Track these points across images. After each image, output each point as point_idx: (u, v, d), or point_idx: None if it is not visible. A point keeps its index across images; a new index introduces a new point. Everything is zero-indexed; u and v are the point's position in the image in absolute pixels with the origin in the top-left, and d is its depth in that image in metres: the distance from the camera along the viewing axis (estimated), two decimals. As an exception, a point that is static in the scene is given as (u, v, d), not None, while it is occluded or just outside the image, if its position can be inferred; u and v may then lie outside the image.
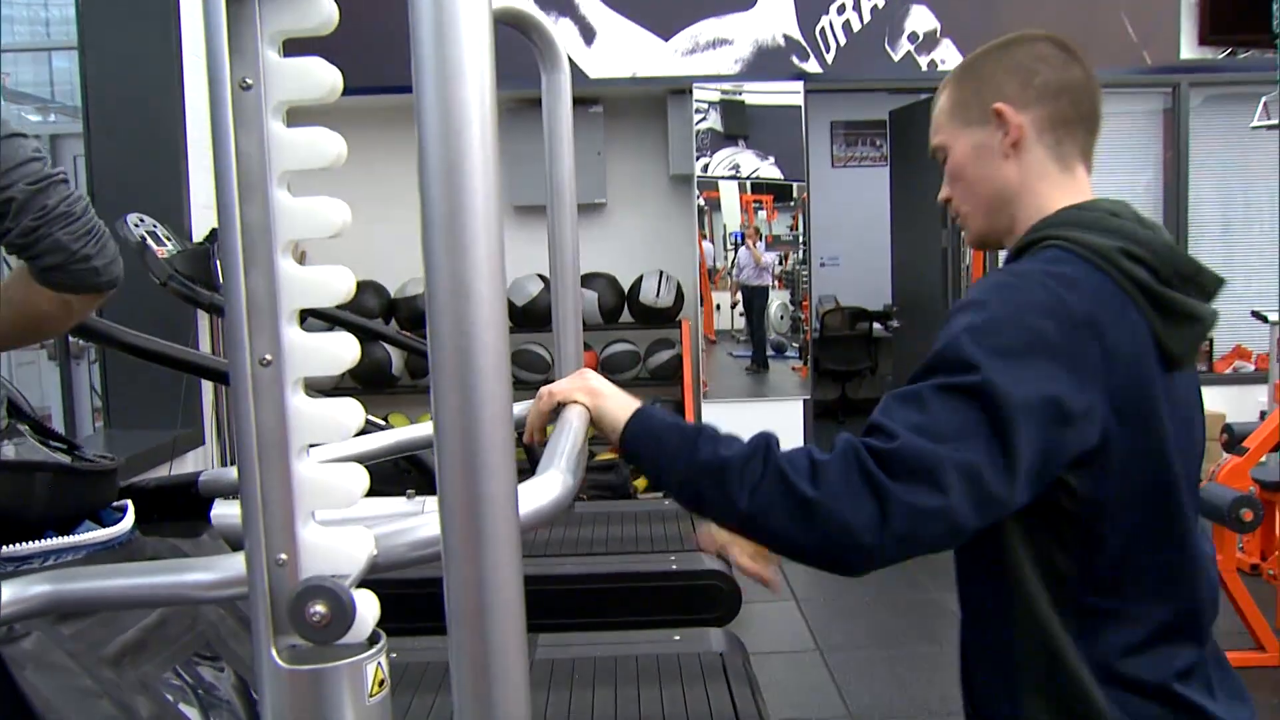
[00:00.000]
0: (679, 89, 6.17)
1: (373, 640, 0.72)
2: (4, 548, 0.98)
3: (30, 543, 0.99)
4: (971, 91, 1.39)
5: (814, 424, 6.40)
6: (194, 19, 4.87)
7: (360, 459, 1.12)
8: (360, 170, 5.90)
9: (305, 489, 0.69)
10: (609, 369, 5.98)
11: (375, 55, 5.29)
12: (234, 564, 0.76)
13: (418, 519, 0.80)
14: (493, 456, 0.58)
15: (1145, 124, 6.66)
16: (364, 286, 5.66)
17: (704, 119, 6.12)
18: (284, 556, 0.69)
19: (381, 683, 0.72)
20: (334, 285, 0.69)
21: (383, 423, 2.20)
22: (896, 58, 6.15)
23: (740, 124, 6.21)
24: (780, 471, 1.11)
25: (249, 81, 0.67)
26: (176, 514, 1.24)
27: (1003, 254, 1.44)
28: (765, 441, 1.15)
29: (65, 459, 1.14)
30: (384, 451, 1.22)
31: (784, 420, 6.22)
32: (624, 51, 6.01)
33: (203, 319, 4.65)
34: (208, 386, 4.68)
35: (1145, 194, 6.61)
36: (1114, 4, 6.17)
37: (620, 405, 1.23)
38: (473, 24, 0.57)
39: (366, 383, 5.66)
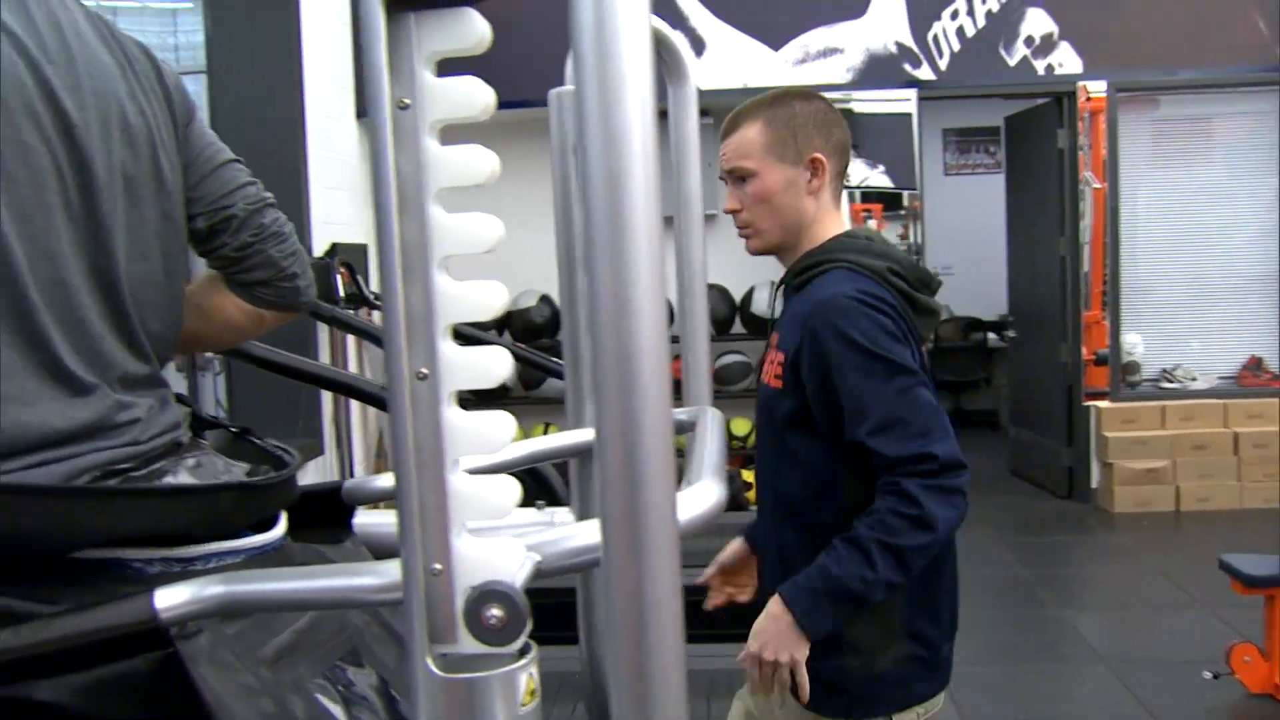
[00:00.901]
0: (790, 99, 6.13)
1: (523, 651, 0.73)
2: (174, 549, 1.02)
3: (196, 546, 1.03)
4: (789, 135, 1.78)
5: (928, 436, 6.28)
6: (315, 46, 5.03)
7: (497, 469, 1.14)
8: (467, 186, 5.99)
9: (459, 501, 0.71)
10: (721, 380, 5.97)
11: (487, 70, 5.38)
12: (393, 570, 0.78)
13: (565, 529, 0.81)
14: (654, 465, 0.59)
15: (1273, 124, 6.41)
16: (478, 300, 5.75)
17: (815, 128, 6.08)
18: (439, 566, 0.71)
19: (533, 692, 0.73)
20: (487, 300, 0.70)
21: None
22: (1012, 62, 6.03)
23: (850, 133, 6.15)
24: (898, 548, 1.58)
25: (406, 101, 0.68)
26: (319, 521, 1.27)
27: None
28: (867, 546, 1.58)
29: (247, 466, 1.19)
30: (520, 462, 1.23)
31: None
32: (734, 63, 6.01)
33: (322, 331, 4.77)
34: (326, 398, 4.80)
35: (1272, 194, 6.36)
36: (1244, 1, 5.96)
37: (790, 625, 1.61)
38: (633, 38, 0.57)
39: (479, 394, 5.73)
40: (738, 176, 1.80)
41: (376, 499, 1.28)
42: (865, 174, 6.19)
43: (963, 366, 9.04)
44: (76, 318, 1.08)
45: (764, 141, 1.78)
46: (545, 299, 5.76)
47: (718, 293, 6.08)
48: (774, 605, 1.62)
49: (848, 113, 6.11)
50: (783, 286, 1.89)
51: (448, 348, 0.69)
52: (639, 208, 0.58)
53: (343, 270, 4.55)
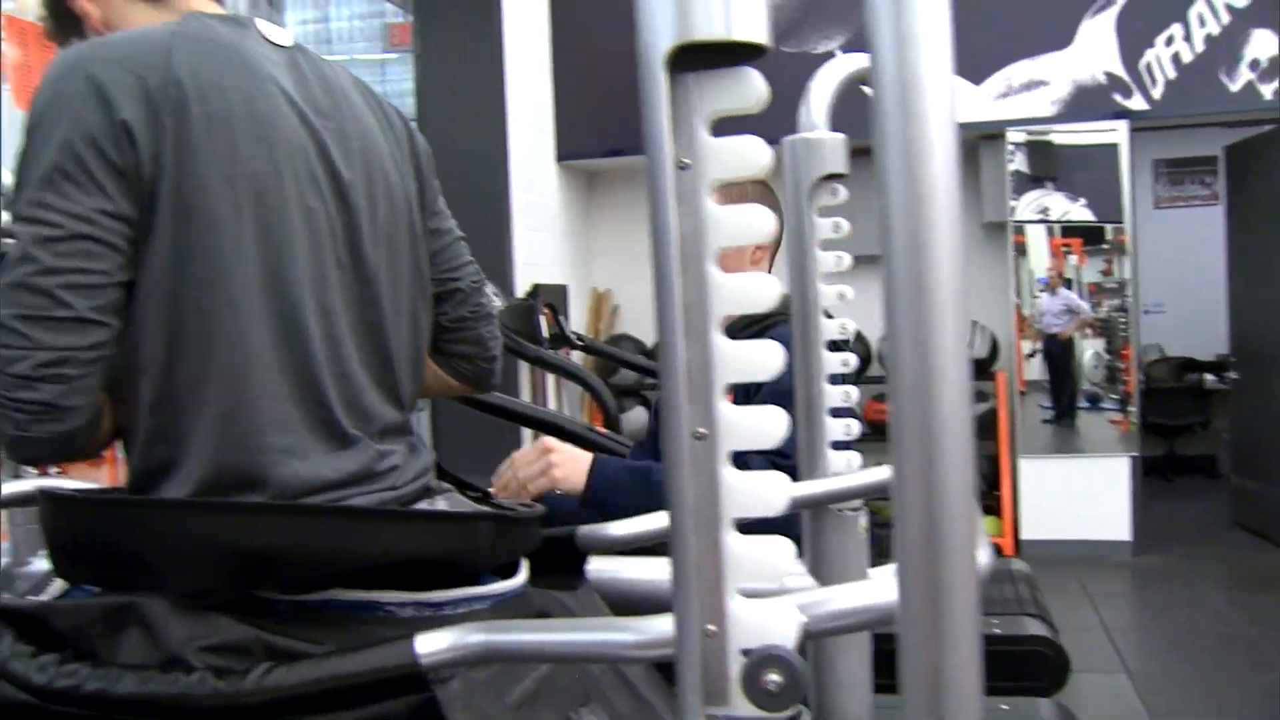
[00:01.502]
0: (992, 134, 5.98)
1: (794, 716, 0.71)
2: (426, 594, 1.05)
3: (446, 591, 1.06)
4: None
5: (1141, 482, 5.97)
6: (518, 92, 5.20)
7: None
8: (642, 226, 6.07)
9: (733, 562, 0.70)
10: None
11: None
12: (656, 627, 0.78)
13: (829, 591, 0.79)
14: (956, 513, 0.57)
15: None
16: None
17: (1010, 161, 5.91)
18: (713, 628, 0.70)
19: (804, 758, 0.71)
20: (765, 361, 0.69)
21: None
22: (1235, 88, 5.71)
23: (1049, 165, 5.95)
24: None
25: (686, 161, 0.68)
26: (553, 567, 1.28)
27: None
28: None
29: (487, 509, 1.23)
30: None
31: (1106, 478, 5.85)
32: (933, 98, 5.88)
33: (523, 369, 4.89)
34: (527, 435, 4.91)
35: None
36: None
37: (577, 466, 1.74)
38: (938, 93, 0.56)
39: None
40: None
41: (610, 547, 1.29)
42: (1065, 208, 5.97)
43: (1177, 409, 8.54)
44: (346, 371, 1.13)
45: None
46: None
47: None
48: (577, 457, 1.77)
49: (1046, 145, 5.91)
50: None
51: (725, 408, 0.69)
52: (944, 255, 0.56)
53: (546, 311, 4.65)
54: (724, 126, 0.69)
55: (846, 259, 1.37)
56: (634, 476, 1.72)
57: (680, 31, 0.66)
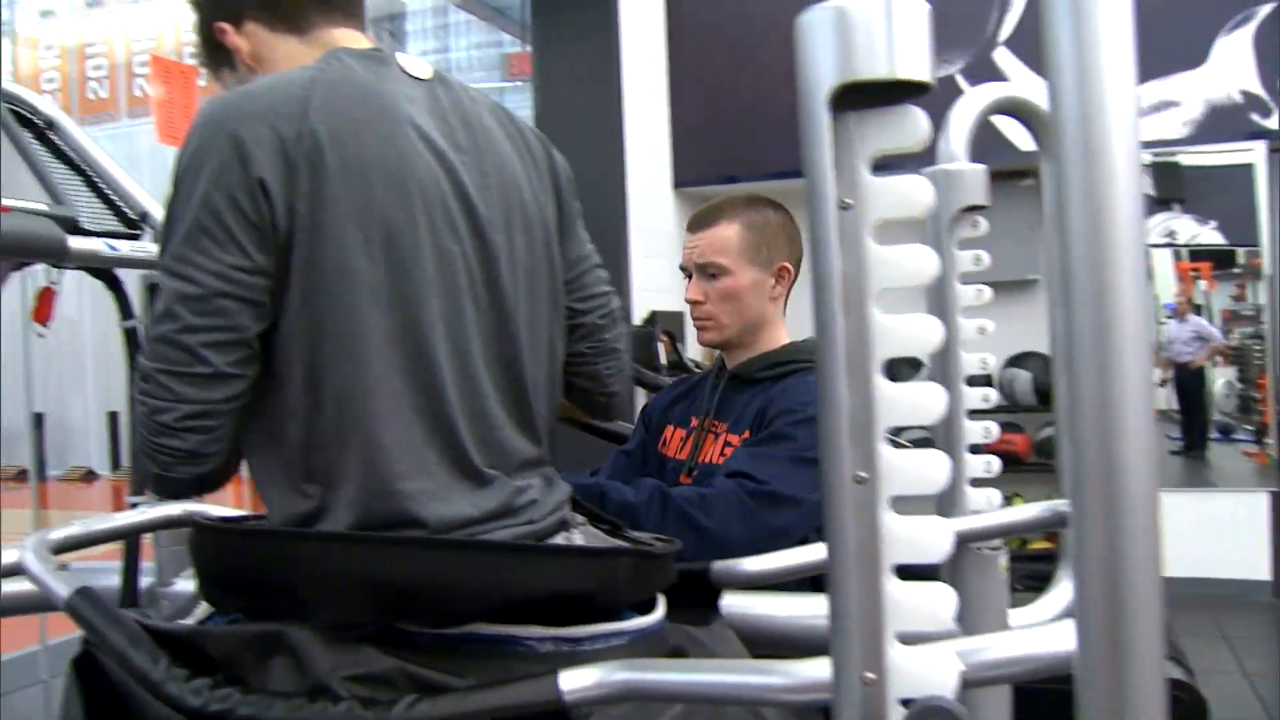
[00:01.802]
0: (1118, 156, 5.80)
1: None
2: (564, 629, 1.05)
3: (585, 626, 1.06)
4: (763, 241, 1.87)
5: (1280, 518, 5.72)
6: (635, 119, 5.24)
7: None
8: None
9: (893, 609, 0.68)
10: (1043, 453, 5.67)
11: (762, 141, 5.42)
12: (808, 671, 0.76)
13: (983, 639, 0.77)
14: (1140, 567, 0.54)
15: None
16: (789, 365, 5.75)
17: (1140, 185, 5.73)
18: (871, 675, 0.68)
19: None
20: (927, 403, 0.68)
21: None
22: (1380, 107, 5.46)
23: (1176, 187, 5.75)
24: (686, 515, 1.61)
25: (848, 201, 0.68)
26: (685, 602, 1.27)
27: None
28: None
29: (625, 544, 1.22)
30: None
31: (1242, 513, 5.61)
32: (1058, 121, 5.75)
33: (640, 396, 4.89)
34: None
35: None
36: None
37: None
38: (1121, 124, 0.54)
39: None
40: (708, 272, 1.88)
41: (746, 583, 1.27)
42: (1194, 230, 5.77)
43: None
44: (481, 410, 1.14)
45: (741, 243, 1.87)
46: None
47: (1040, 361, 5.81)
48: None
49: (1173, 166, 5.72)
50: (725, 377, 1.93)
51: (887, 451, 0.68)
52: (1126, 286, 0.55)
53: (664, 338, 4.67)
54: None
55: (987, 293, 1.34)
56: (584, 495, 1.49)
57: (843, 71, 0.65)
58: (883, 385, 0.67)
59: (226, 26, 1.26)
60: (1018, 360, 5.57)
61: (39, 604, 1.55)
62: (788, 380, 1.82)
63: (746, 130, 5.63)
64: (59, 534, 1.35)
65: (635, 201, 5.13)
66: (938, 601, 0.68)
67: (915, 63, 0.66)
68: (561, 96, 5.04)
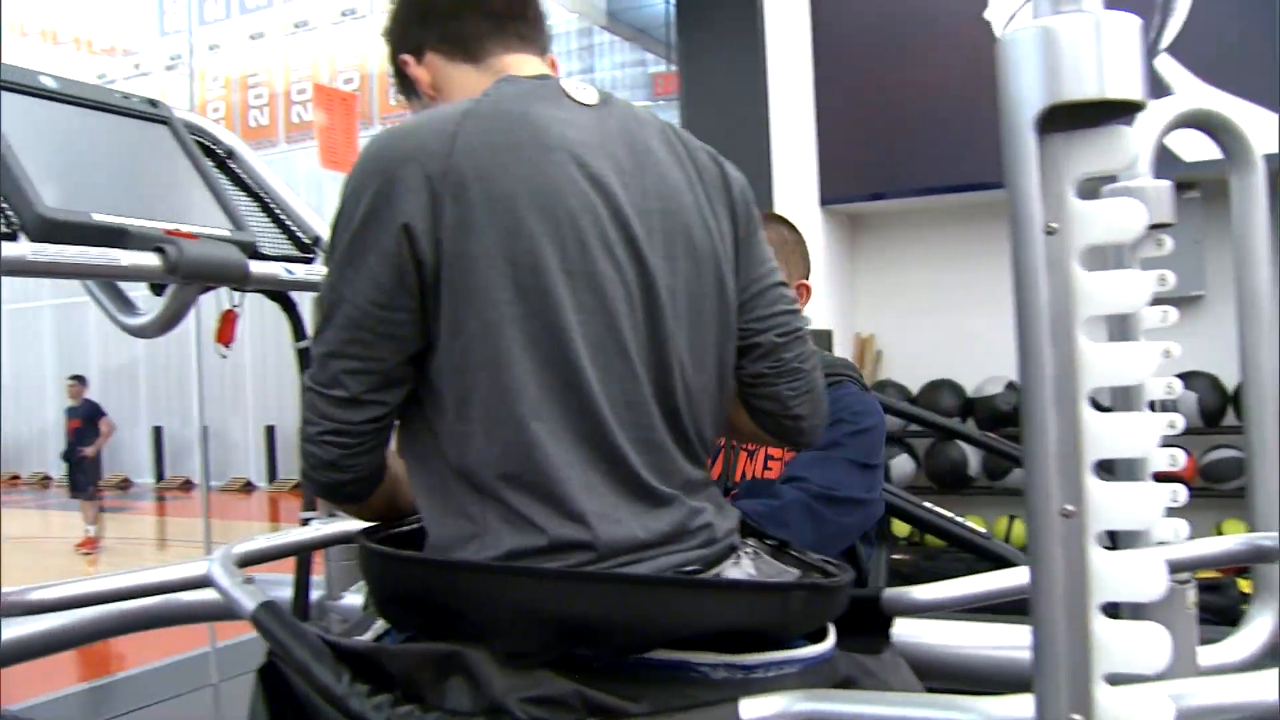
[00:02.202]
0: (1292, 166, 5.53)
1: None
2: (737, 656, 1.04)
3: (757, 654, 1.05)
4: (784, 256, 1.85)
5: None
6: (782, 136, 5.22)
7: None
8: (932, 269, 5.92)
9: (1102, 649, 0.66)
10: (1209, 477, 5.42)
11: (953, 154, 5.32)
12: (1005, 709, 0.74)
13: (1207, 682, 0.73)
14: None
15: None
16: (940, 385, 5.63)
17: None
18: (1078, 718, 0.66)
19: None
20: (1138, 434, 0.65)
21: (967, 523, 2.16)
22: None
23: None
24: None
25: (1054, 226, 0.65)
26: (853, 628, 1.25)
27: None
28: None
29: (797, 572, 1.21)
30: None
31: None
32: (1224, 131, 5.51)
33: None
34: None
35: None
36: None
37: None
38: None
39: (941, 482, 5.61)
40: None
41: (918, 610, 1.24)
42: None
43: None
44: (648, 435, 1.13)
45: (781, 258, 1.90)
46: (1012, 386, 5.51)
47: (1207, 381, 5.55)
48: None
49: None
50: None
51: (1095, 484, 0.65)
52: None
53: (810, 356, 4.63)
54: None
55: (1173, 314, 1.29)
56: None
57: (1051, 92, 0.63)
58: (1091, 416, 0.65)
59: (409, 59, 1.30)
60: (1182, 379, 5.34)
61: (222, 613, 1.62)
62: (831, 390, 1.86)
63: (893, 147, 5.55)
64: (242, 547, 1.40)
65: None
66: (1151, 642, 0.65)
67: (1127, 81, 0.64)
68: (708, 115, 5.06)
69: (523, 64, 1.26)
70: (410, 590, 1.12)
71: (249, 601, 1.15)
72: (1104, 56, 0.63)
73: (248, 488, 15.35)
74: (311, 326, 1.89)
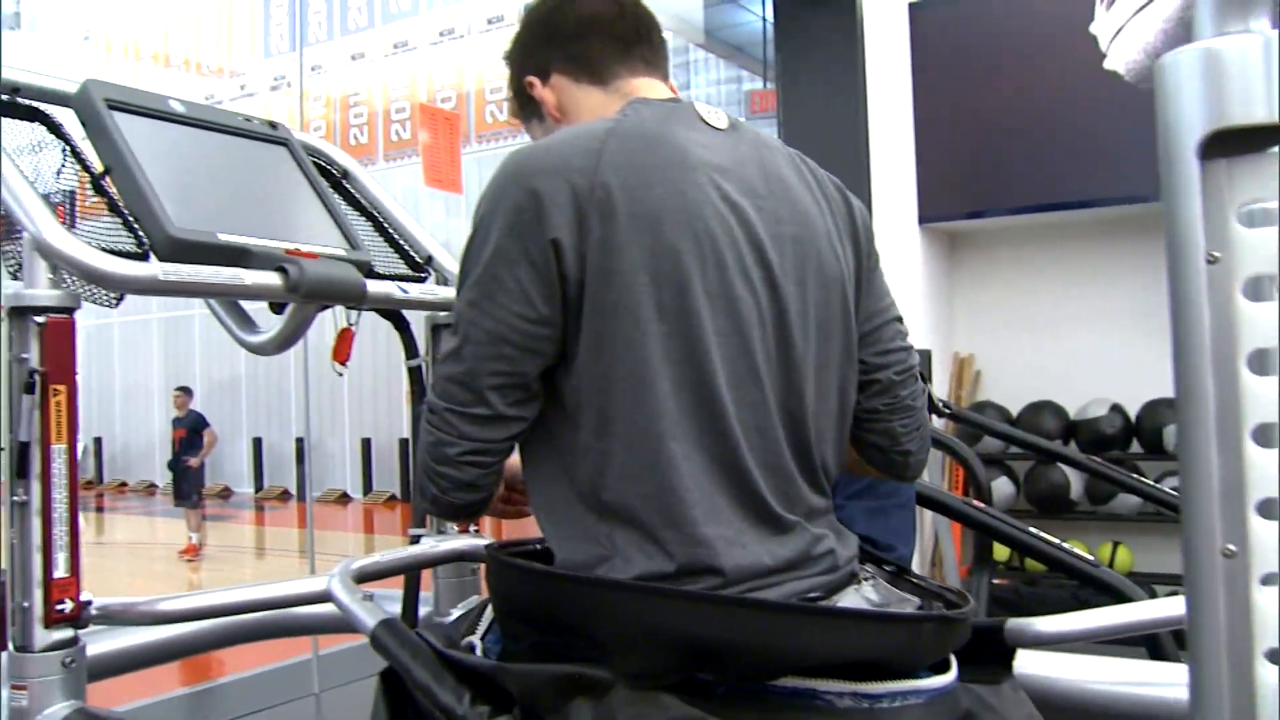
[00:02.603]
0: None
1: None
2: (863, 685, 1.02)
3: (883, 684, 1.03)
4: None
5: None
6: (881, 152, 5.17)
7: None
8: (1031, 288, 5.80)
9: (1267, 698, 0.63)
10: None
11: (1053, 172, 5.21)
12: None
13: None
14: None
15: None
16: (1041, 407, 5.51)
17: None
18: (1241, 768, 0.63)
19: None
20: (1308, 472, 0.62)
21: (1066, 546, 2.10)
22: None
23: None
24: None
25: (1216, 255, 0.63)
26: (973, 658, 1.22)
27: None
28: None
29: (917, 600, 1.19)
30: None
31: None
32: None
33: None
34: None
35: None
36: None
37: None
38: None
39: (1043, 506, 5.48)
40: None
41: (1041, 644, 1.21)
42: None
43: None
44: (776, 461, 1.12)
45: None
46: (1116, 408, 5.37)
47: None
48: None
49: None
50: None
51: (1259, 524, 0.62)
52: None
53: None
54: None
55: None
56: None
57: (1215, 118, 0.61)
58: (1256, 452, 0.62)
59: (535, 80, 1.31)
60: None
61: (340, 626, 1.64)
62: None
63: (992, 164, 5.46)
64: (360, 563, 1.42)
65: (880, 238, 5.03)
66: (1318, 691, 0.62)
67: (1297, 105, 0.61)
68: (807, 132, 5.03)
69: (650, 87, 1.27)
70: (537, 604, 1.12)
71: (369, 619, 1.17)
72: (1273, 78, 0.61)
73: (344, 499, 15.64)
74: (424, 345, 1.92)
